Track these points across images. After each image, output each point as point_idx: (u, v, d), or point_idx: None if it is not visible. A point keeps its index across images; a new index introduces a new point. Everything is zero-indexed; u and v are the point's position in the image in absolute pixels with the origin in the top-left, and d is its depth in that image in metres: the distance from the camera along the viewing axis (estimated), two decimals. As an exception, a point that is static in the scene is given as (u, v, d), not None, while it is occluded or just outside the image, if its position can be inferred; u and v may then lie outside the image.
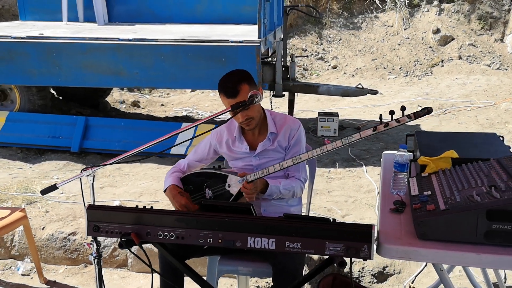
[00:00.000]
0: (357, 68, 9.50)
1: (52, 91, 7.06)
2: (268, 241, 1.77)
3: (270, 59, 5.87)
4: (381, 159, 2.81)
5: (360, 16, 10.55)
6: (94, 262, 2.12)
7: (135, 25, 6.46)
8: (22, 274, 3.22)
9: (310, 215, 2.63)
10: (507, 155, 2.11)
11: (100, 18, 6.66)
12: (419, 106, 6.84)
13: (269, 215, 2.40)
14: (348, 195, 3.97)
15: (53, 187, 2.10)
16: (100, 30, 5.75)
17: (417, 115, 1.90)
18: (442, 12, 10.09)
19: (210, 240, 1.80)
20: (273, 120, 2.44)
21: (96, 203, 3.95)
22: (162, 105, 7.77)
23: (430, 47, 9.60)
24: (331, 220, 1.79)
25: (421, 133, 2.67)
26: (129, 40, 4.95)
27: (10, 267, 3.32)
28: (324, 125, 5.77)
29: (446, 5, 10.09)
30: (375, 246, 1.69)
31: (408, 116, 1.92)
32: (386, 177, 2.46)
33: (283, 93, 5.68)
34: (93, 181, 2.11)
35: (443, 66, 9.22)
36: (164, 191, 2.42)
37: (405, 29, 10.08)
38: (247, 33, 5.28)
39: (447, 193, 1.89)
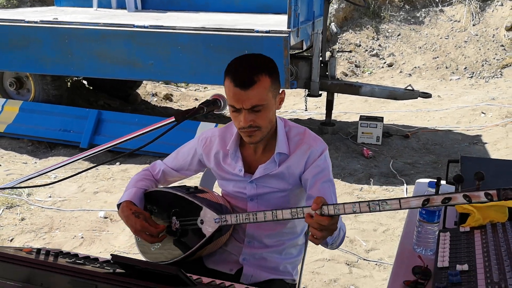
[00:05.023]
0: (415, 67, 8.59)
1: (84, 81, 6.77)
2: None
3: (306, 53, 5.17)
4: (413, 189, 2.09)
5: (423, 10, 9.59)
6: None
7: (167, 13, 5.97)
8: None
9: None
10: None
11: (130, 4, 6.24)
12: (482, 113, 5.89)
13: (251, 269, 1.74)
14: (379, 222, 3.23)
15: None
16: (121, 17, 5.28)
17: (504, 195, 1.07)
18: (518, 6, 8.92)
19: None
20: (287, 135, 1.67)
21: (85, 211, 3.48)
22: (196, 99, 7.25)
23: (502, 45, 8.50)
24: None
25: (469, 160, 1.90)
26: (144, 27, 4.43)
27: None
28: (365, 130, 4.98)
29: (523, -2, 8.91)
30: None
31: (487, 195, 1.10)
32: (412, 222, 1.75)
33: (320, 92, 4.98)
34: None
35: (516, 67, 8.10)
36: (118, 206, 1.72)
37: (473, 25, 9.01)
38: (280, 23, 4.60)
39: (494, 273, 1.17)
